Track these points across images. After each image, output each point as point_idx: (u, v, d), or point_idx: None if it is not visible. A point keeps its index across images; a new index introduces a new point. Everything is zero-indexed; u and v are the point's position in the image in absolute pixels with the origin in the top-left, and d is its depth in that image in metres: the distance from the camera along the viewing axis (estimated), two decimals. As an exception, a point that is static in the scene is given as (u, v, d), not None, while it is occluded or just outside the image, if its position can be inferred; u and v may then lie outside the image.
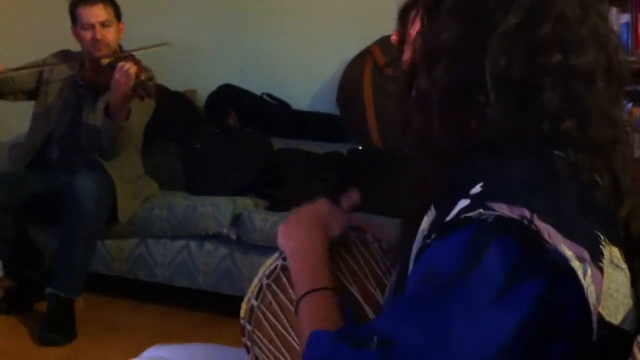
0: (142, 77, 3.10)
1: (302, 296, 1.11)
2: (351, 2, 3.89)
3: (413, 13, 1.02)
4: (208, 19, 4.16)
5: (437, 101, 0.95)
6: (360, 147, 3.68)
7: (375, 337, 0.89)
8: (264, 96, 4.02)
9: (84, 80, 3.40)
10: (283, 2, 4.07)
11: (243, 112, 3.91)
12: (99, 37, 3.33)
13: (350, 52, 3.79)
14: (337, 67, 3.89)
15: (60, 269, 3.15)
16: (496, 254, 0.84)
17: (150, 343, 3.10)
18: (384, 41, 3.72)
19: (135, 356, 1.51)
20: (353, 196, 1.27)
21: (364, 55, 3.76)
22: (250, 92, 4.01)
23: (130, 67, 3.03)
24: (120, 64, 3.07)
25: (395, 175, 3.20)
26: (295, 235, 1.20)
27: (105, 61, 3.34)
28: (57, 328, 3.09)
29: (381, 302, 1.18)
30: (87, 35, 3.35)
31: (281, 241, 1.22)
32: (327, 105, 3.90)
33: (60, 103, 3.45)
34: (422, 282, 0.89)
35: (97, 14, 3.34)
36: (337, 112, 3.86)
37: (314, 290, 1.10)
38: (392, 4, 1.10)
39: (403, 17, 1.04)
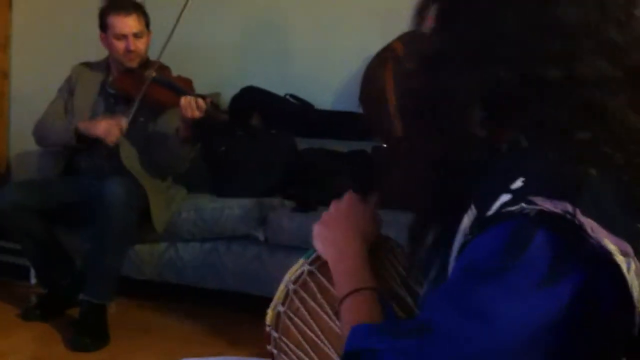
0: (209, 104, 3.17)
1: (346, 296, 1.11)
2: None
3: (427, 14, 1.01)
4: (231, 21, 4.17)
5: (439, 106, 0.95)
6: (384, 145, 3.68)
7: (416, 327, 0.90)
8: (287, 97, 4.03)
9: (116, 89, 3.42)
10: (303, 2, 4.07)
11: (267, 114, 3.92)
12: (132, 48, 3.37)
13: (372, 49, 3.78)
14: (359, 65, 3.88)
15: (92, 275, 3.17)
16: (539, 247, 0.84)
17: (182, 345, 3.16)
18: (405, 37, 3.71)
19: (167, 359, 1.52)
20: (373, 197, 1.27)
21: (386, 52, 3.75)
22: (274, 93, 4.02)
23: (200, 103, 3.12)
24: (188, 99, 3.12)
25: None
26: (336, 238, 1.20)
27: (149, 74, 3.35)
28: (90, 333, 3.11)
29: (412, 306, 1.18)
30: (120, 45, 3.38)
31: (319, 244, 1.22)
32: (350, 103, 3.89)
33: (87, 111, 3.47)
34: (462, 274, 0.89)
35: (131, 24, 3.38)
36: (360, 110, 3.85)
37: (357, 290, 1.11)
38: (413, 0, 1.09)
39: (420, 16, 1.03)
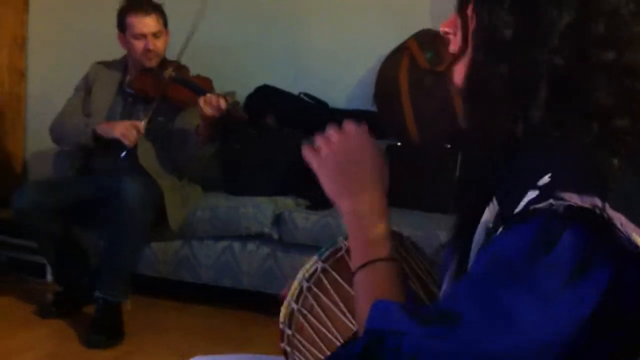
0: (230, 103, 3.19)
1: (364, 265, 1.06)
2: (386, -2, 3.89)
3: (471, 5, 1.01)
4: (245, 21, 4.18)
5: (500, 93, 0.95)
6: (398, 144, 3.68)
7: (440, 314, 0.89)
8: (302, 96, 4.03)
9: (134, 88, 3.44)
10: (318, 0, 4.08)
11: (281, 113, 3.92)
12: (151, 47, 3.39)
13: (387, 47, 3.78)
14: (373, 63, 3.88)
15: (107, 272, 3.19)
16: (568, 243, 0.84)
17: (197, 344, 3.17)
18: (420, 36, 3.71)
19: (181, 357, 1.52)
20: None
21: (400, 50, 3.74)
22: (288, 92, 4.02)
23: (221, 102, 3.12)
24: (208, 98, 3.13)
25: (433, 171, 3.18)
26: (353, 189, 1.15)
27: (167, 74, 3.38)
28: (105, 331, 3.13)
29: (423, 299, 1.17)
30: (139, 45, 3.40)
31: (332, 192, 1.19)
32: (365, 102, 3.89)
33: (104, 110, 3.49)
34: (489, 268, 0.88)
35: (150, 24, 3.40)
36: (374, 109, 3.85)
37: (378, 260, 1.06)
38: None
39: (461, 8, 1.03)
